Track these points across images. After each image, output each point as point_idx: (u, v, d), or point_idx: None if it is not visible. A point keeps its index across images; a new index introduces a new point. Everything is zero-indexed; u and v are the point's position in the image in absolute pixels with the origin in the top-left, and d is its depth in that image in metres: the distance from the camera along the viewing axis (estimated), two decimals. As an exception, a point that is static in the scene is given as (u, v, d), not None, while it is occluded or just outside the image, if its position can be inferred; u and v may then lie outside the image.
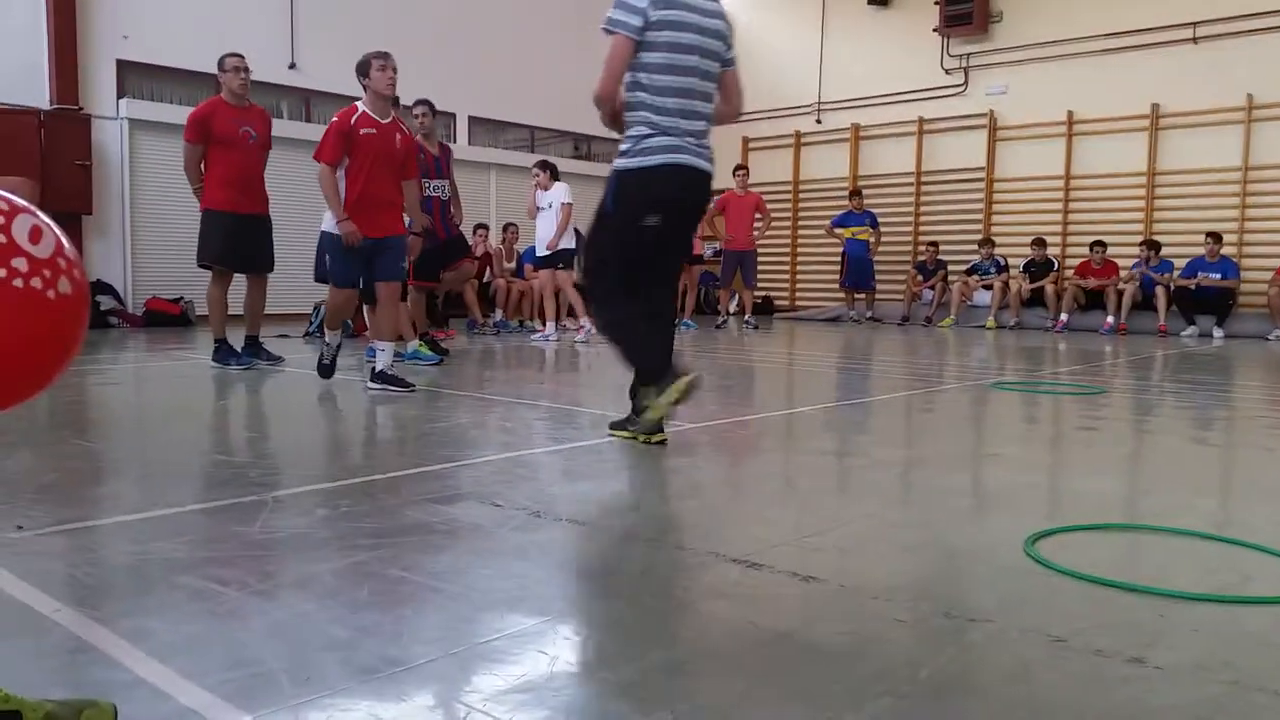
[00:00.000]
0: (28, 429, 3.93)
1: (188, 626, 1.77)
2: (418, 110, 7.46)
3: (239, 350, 6.43)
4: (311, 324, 9.36)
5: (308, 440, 4.06)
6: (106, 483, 3.14)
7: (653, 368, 3.61)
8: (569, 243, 9.23)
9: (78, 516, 2.57)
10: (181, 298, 10.65)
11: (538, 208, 9.31)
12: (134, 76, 10.69)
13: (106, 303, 10.18)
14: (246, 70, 6.37)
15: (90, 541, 2.35)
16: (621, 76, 3.60)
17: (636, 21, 3.49)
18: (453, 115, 13.07)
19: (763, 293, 14.44)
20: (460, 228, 7.92)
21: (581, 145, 15.37)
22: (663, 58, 3.53)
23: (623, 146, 3.67)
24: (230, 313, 6.53)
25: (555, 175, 9.35)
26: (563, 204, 9.10)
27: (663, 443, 3.65)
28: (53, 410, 4.49)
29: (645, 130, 3.57)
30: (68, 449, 3.58)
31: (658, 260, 3.75)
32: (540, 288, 9.66)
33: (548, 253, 9.24)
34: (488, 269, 11.44)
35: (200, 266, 6.42)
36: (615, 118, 3.68)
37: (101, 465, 3.38)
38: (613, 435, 3.85)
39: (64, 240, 1.19)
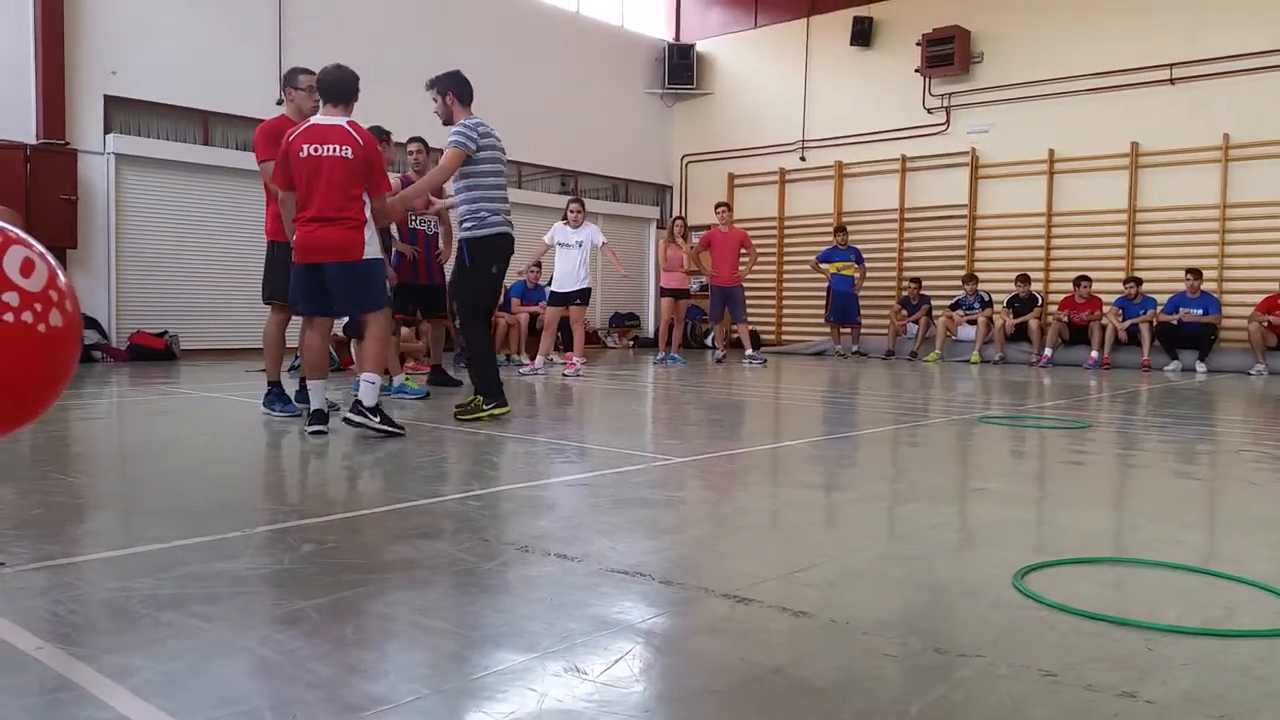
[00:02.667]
0: (10, 464, 3.89)
1: (171, 664, 1.75)
2: (412, 147, 7.54)
3: (288, 396, 5.84)
4: (297, 358, 9.31)
5: (293, 475, 4.04)
6: (89, 518, 3.11)
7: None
8: (588, 281, 9.41)
9: (60, 552, 2.54)
10: (166, 332, 10.61)
11: (559, 243, 9.39)
12: (121, 112, 10.72)
13: (90, 337, 10.11)
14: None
15: (73, 578, 2.32)
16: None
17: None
18: (440, 151, 13.13)
19: (749, 327, 14.50)
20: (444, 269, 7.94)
21: (568, 181, 15.47)
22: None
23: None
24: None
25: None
26: (604, 244, 9.70)
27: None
28: (35, 445, 4.45)
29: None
30: (50, 484, 3.55)
31: None
32: (548, 322, 9.69)
33: (569, 289, 9.34)
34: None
35: (265, 303, 5.87)
36: None
37: (84, 501, 3.34)
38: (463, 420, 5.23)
39: (57, 272, 1.19)
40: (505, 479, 3.80)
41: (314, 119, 4.95)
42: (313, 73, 5.42)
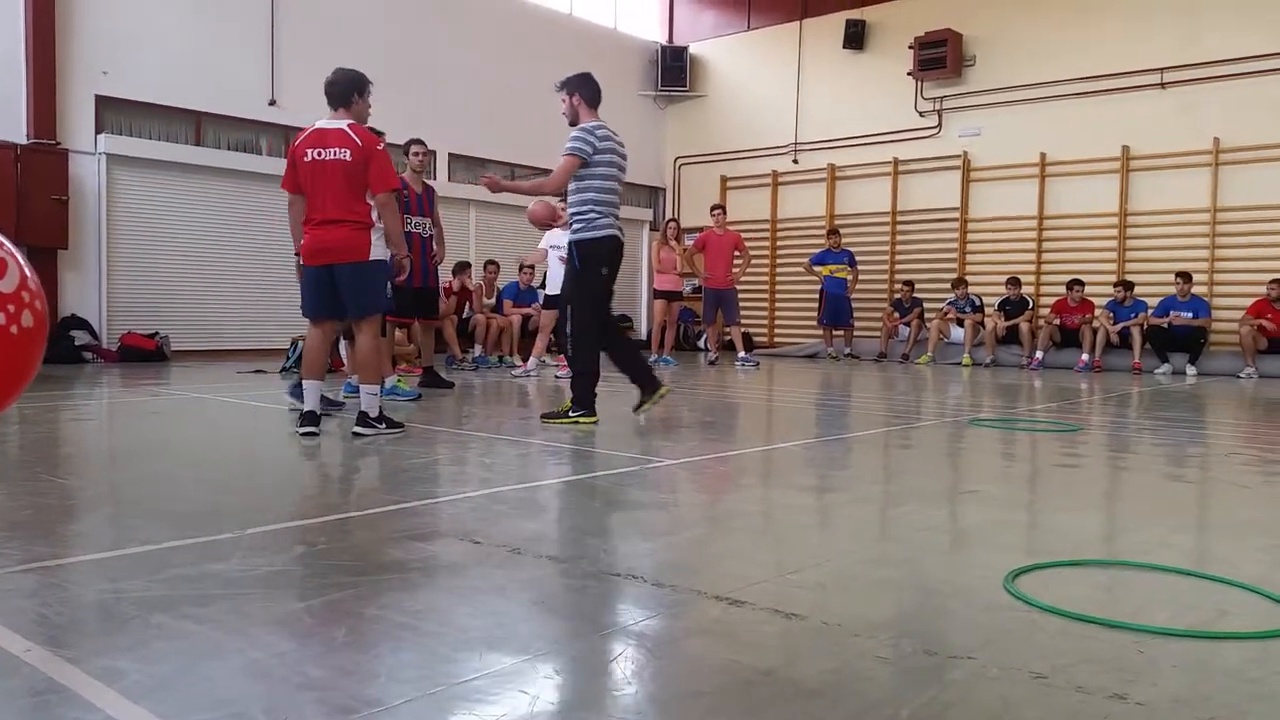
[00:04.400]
0: (-2, 465, 3.87)
1: (161, 666, 1.74)
2: (416, 149, 7.53)
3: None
4: (289, 359, 9.30)
5: (284, 476, 4.03)
6: (79, 520, 3.09)
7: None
8: None
9: (50, 554, 2.53)
10: (157, 333, 10.57)
11: (552, 246, 9.33)
12: (113, 112, 10.69)
13: (81, 338, 10.09)
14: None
15: (62, 579, 2.31)
16: None
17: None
18: (433, 152, 13.12)
19: (742, 329, 14.53)
20: (439, 266, 7.93)
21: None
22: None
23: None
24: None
25: None
26: None
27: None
28: (24, 446, 4.43)
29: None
30: (40, 485, 3.53)
31: None
32: (544, 325, 9.67)
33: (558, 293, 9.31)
34: (467, 304, 11.45)
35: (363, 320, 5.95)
36: None
37: (74, 502, 3.33)
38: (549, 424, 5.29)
39: (27, 270, 1.18)
40: (497, 481, 3.80)
41: (318, 123, 4.98)
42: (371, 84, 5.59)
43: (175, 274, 11.03)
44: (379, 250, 4.92)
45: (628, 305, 16.35)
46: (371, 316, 5.00)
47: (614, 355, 5.63)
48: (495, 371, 10.00)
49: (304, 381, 5.04)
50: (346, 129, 4.86)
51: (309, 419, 4.91)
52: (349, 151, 4.80)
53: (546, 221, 5.91)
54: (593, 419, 5.48)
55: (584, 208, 5.39)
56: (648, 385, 5.57)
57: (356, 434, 4.87)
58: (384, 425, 4.92)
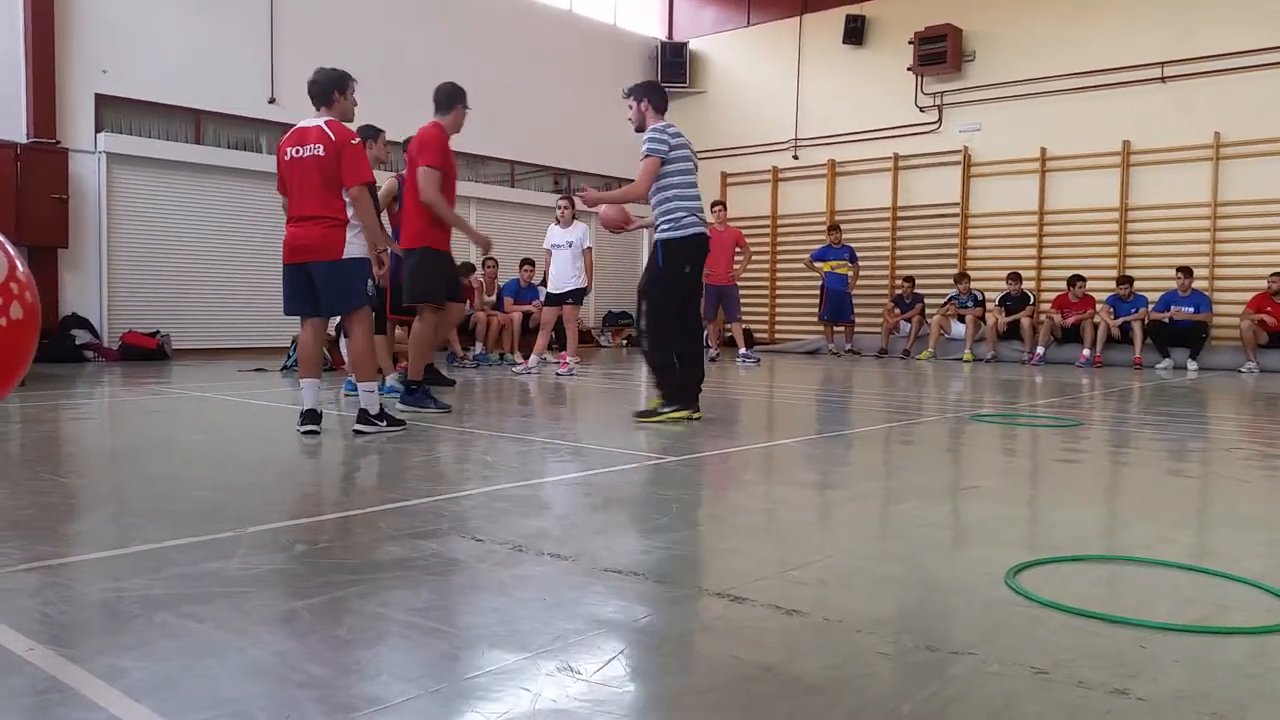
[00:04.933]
0: (1, 464, 3.87)
1: (164, 665, 1.74)
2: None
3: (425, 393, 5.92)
4: (289, 357, 9.31)
5: (286, 474, 4.03)
6: (81, 519, 3.10)
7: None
8: (581, 281, 9.42)
9: (52, 553, 2.53)
10: (158, 331, 10.58)
11: (553, 245, 9.38)
12: (113, 110, 10.68)
13: (82, 337, 10.09)
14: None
15: (64, 578, 2.32)
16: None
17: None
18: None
19: (743, 326, 14.53)
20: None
21: (561, 180, 15.46)
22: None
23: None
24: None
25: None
26: (586, 248, 9.49)
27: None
28: (26, 445, 4.43)
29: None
30: (42, 484, 3.53)
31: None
32: (545, 322, 9.67)
33: (563, 289, 9.31)
34: (468, 302, 11.44)
35: (406, 306, 6.05)
36: None
37: (76, 501, 3.33)
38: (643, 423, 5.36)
39: (17, 262, 1.18)
40: (499, 478, 3.80)
41: (300, 122, 4.98)
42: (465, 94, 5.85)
43: (176, 272, 11.03)
44: (355, 248, 4.87)
45: (628, 302, 16.34)
46: (356, 313, 4.96)
47: (680, 357, 5.54)
48: (496, 369, 10.01)
49: (301, 380, 5.02)
50: (323, 125, 4.84)
51: (310, 417, 4.90)
52: (323, 147, 4.77)
53: (619, 224, 5.93)
54: (685, 412, 5.44)
55: (669, 206, 5.43)
56: (680, 398, 5.48)
57: (358, 432, 4.87)
58: (384, 423, 4.92)
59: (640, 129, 5.60)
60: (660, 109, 5.63)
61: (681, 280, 5.49)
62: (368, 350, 5.04)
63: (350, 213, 4.83)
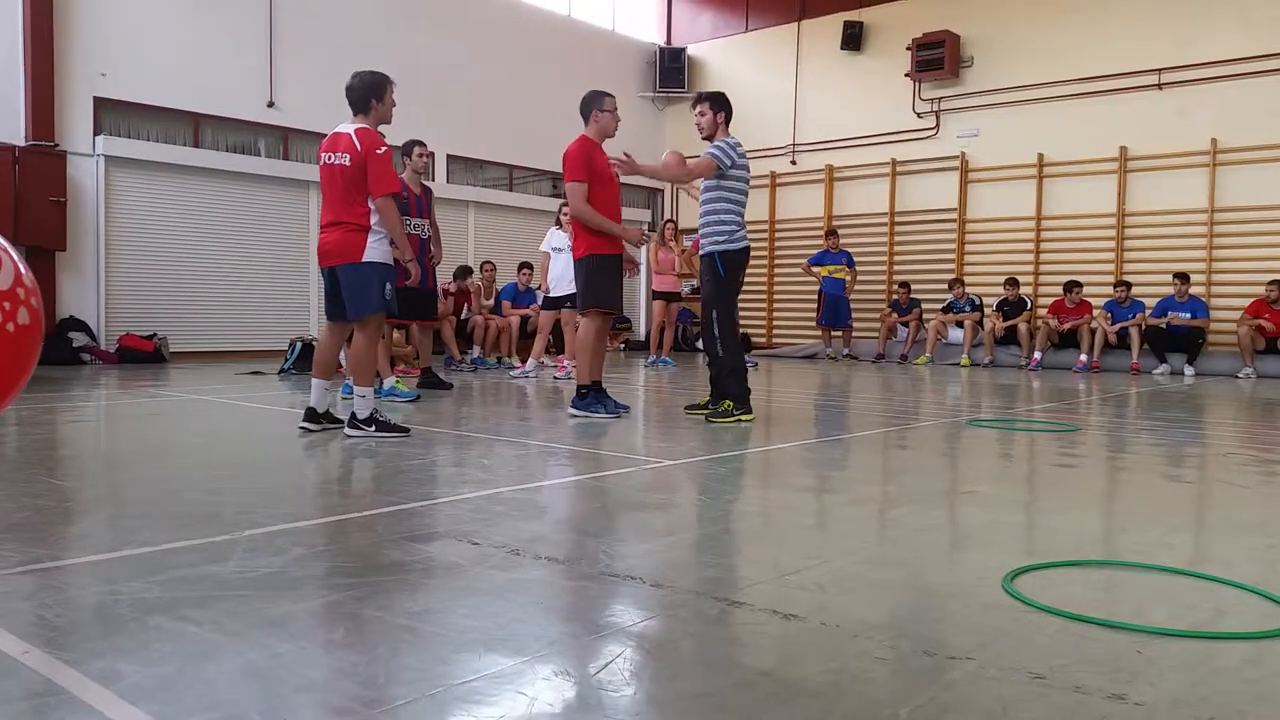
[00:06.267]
0: (-4, 467, 3.86)
1: (160, 668, 1.74)
2: (417, 150, 7.54)
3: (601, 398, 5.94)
4: (287, 360, 9.30)
5: (283, 478, 4.02)
6: (77, 521, 3.09)
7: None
8: None
9: (48, 555, 2.52)
10: (155, 334, 10.57)
11: (554, 249, 9.32)
12: (111, 113, 10.68)
13: (79, 339, 10.08)
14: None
15: (60, 581, 2.31)
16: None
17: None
18: (431, 153, 13.13)
19: (741, 330, 14.55)
20: (436, 268, 7.92)
21: (560, 185, 15.45)
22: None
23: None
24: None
25: None
26: None
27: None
28: (22, 448, 4.42)
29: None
30: (37, 487, 3.53)
31: None
32: (543, 326, 9.66)
33: (561, 293, 9.29)
34: (465, 305, 11.45)
35: (581, 312, 6.04)
36: None
37: (72, 504, 3.32)
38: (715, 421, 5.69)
39: (22, 267, 1.18)
40: (496, 482, 3.79)
41: (338, 126, 5.07)
42: (611, 96, 5.93)
43: (173, 275, 11.03)
44: (375, 252, 4.92)
45: (626, 306, 16.34)
46: (367, 318, 4.99)
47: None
48: (494, 373, 10.00)
49: (313, 379, 5.14)
50: (352, 133, 4.93)
51: (309, 415, 5.01)
52: (349, 156, 4.88)
53: (681, 177, 6.09)
54: (751, 416, 5.81)
55: (725, 218, 5.79)
56: (747, 401, 5.83)
57: (347, 435, 4.93)
58: (373, 428, 4.93)
59: (709, 138, 5.89)
60: (729, 122, 5.96)
61: (737, 288, 5.97)
62: (368, 355, 5.06)
63: (374, 219, 4.91)
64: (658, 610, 2.16)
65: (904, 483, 4.08)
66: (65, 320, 10.07)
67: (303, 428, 5.01)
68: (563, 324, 9.47)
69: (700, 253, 5.99)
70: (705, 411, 5.90)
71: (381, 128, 5.14)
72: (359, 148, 4.87)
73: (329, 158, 4.96)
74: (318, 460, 4.42)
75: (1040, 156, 12.76)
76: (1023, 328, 12.10)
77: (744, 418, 5.76)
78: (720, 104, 5.95)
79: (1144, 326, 11.26)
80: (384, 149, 4.92)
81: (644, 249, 13.14)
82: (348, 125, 5.01)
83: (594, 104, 5.96)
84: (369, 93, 5.03)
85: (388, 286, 5.00)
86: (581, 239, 5.91)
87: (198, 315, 11.22)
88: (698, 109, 5.94)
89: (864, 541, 2.93)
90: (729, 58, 16.09)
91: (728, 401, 5.81)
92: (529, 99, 14.20)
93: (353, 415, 4.97)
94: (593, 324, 5.93)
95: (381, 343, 6.86)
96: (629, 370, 10.99)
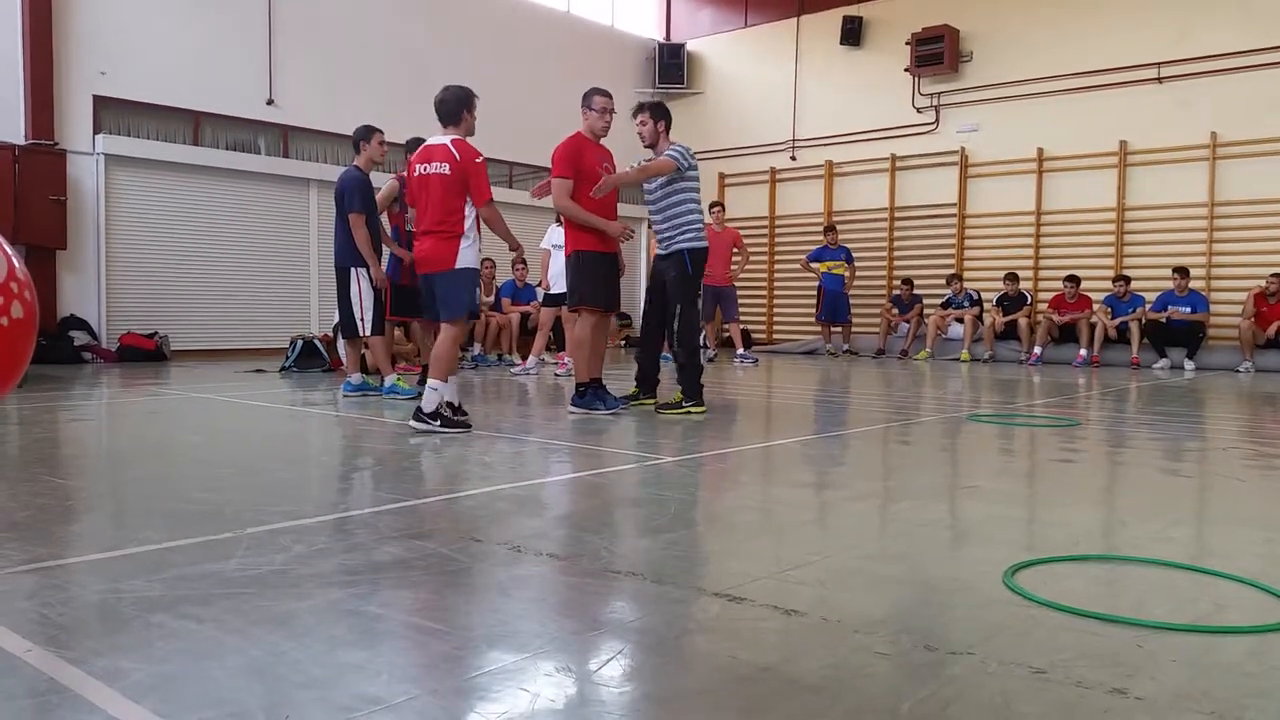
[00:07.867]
0: (-2, 466, 3.87)
1: (162, 666, 1.74)
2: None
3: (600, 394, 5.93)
4: (288, 358, 9.30)
5: (285, 475, 4.03)
6: (79, 520, 3.09)
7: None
8: None
9: (50, 554, 2.53)
10: (156, 333, 10.57)
11: (554, 245, 9.28)
12: (111, 112, 10.67)
13: (80, 338, 10.08)
14: (613, 112, 6.03)
15: (62, 580, 2.32)
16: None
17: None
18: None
19: (740, 326, 14.55)
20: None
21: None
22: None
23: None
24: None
25: None
26: None
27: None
28: (24, 447, 4.43)
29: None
30: (39, 486, 3.53)
31: None
32: (543, 322, 9.66)
33: (562, 289, 9.26)
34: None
35: (572, 309, 6.15)
36: None
37: (74, 502, 3.33)
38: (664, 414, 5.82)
39: (15, 261, 1.18)
40: (497, 479, 3.80)
41: (429, 140, 5.26)
42: (608, 94, 5.96)
43: (174, 274, 11.03)
44: (467, 258, 5.13)
45: (626, 302, 16.34)
46: (453, 320, 5.18)
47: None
48: (494, 369, 10.00)
49: (436, 381, 5.10)
50: (449, 144, 5.15)
51: (459, 410, 5.21)
52: (448, 166, 5.09)
53: (635, 174, 6.12)
54: (703, 409, 5.95)
55: (689, 218, 5.99)
56: (700, 394, 6.01)
57: (412, 427, 5.01)
58: (438, 422, 4.98)
59: (651, 145, 6.07)
60: (669, 130, 6.12)
61: (700, 284, 6.17)
62: (451, 352, 5.19)
63: (466, 224, 5.11)
64: (659, 606, 2.17)
65: (904, 478, 4.08)
66: (66, 319, 10.07)
67: (459, 422, 5.08)
68: (563, 321, 9.46)
69: (663, 251, 6.06)
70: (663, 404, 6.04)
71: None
72: (458, 157, 5.09)
73: (425, 168, 5.15)
74: (320, 457, 4.42)
75: (1040, 151, 12.75)
76: (1023, 323, 12.10)
77: (694, 410, 5.88)
78: (660, 113, 6.11)
79: (1144, 321, 11.26)
80: (481, 159, 5.17)
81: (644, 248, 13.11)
82: (441, 137, 5.20)
83: (584, 101, 6.04)
84: (460, 105, 5.26)
85: (476, 289, 5.32)
86: (569, 236, 6.00)
87: (199, 313, 11.22)
88: (639, 118, 6.10)
89: (865, 537, 2.94)
90: (728, 53, 16.08)
91: (679, 393, 5.96)
92: (528, 95, 14.18)
93: (418, 409, 5.06)
94: (586, 322, 5.96)
95: (380, 340, 6.89)
96: (629, 366, 10.99)
